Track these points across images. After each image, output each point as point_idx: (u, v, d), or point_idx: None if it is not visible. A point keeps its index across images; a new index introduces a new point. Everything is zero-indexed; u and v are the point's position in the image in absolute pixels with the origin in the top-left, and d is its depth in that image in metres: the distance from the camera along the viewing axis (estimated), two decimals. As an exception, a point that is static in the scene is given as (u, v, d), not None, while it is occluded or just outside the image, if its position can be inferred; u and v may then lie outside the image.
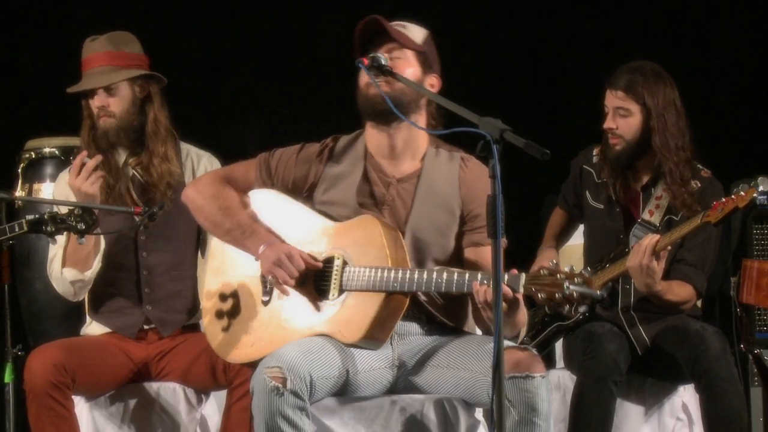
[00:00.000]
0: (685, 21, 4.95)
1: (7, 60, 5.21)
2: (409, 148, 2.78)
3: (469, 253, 2.75)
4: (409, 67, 2.72)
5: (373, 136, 2.78)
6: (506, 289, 2.44)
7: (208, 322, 2.85)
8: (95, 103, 3.23)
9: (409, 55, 2.74)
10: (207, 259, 2.95)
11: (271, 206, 2.83)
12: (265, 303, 2.75)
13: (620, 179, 3.41)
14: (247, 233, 2.72)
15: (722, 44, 4.97)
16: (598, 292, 2.50)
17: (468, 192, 2.75)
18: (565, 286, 2.41)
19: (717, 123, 4.53)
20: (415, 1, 5.02)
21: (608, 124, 3.38)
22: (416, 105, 2.75)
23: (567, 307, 2.45)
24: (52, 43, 5.19)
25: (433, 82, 2.78)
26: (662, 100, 3.36)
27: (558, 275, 2.44)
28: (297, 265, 2.63)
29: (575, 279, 2.43)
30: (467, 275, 2.58)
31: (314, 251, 2.70)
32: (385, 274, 2.60)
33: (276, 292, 2.71)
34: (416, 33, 2.78)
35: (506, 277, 2.43)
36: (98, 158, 3.11)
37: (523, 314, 2.62)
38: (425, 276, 2.59)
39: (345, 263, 2.66)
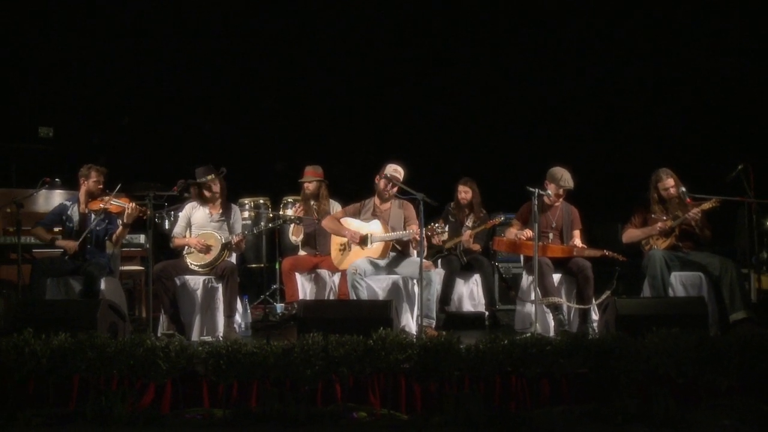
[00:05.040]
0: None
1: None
2: (388, 199, 7.96)
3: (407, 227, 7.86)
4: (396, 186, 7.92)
5: (377, 198, 8.01)
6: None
7: (334, 253, 8.04)
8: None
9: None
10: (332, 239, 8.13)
11: (350, 221, 7.97)
12: (346, 247, 7.99)
13: None
14: (342, 231, 7.86)
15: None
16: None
17: (405, 211, 7.90)
18: None
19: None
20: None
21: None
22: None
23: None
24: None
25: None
26: None
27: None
28: (354, 238, 7.78)
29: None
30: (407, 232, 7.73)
31: (363, 229, 7.82)
32: (385, 236, 7.75)
33: (351, 244, 7.93)
34: (402, 171, 7.85)
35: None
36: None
37: None
38: (397, 234, 7.75)
39: (370, 234, 7.76)
